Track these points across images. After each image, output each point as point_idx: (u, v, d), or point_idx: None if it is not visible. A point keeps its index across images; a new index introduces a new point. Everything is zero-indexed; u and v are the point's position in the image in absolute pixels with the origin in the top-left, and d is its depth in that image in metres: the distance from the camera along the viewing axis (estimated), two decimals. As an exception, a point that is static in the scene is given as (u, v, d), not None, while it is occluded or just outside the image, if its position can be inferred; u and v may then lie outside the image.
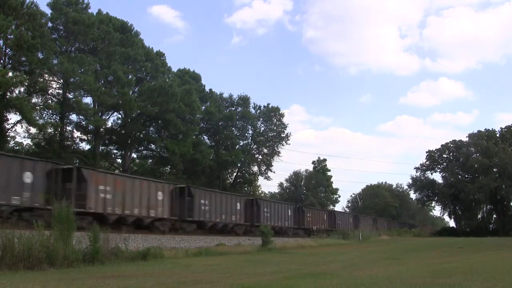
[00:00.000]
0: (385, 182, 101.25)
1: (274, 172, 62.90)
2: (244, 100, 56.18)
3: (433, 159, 68.59)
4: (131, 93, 39.96)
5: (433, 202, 75.35)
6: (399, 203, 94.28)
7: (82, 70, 34.80)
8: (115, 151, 46.26)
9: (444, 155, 68.73)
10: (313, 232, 40.14)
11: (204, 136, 54.27)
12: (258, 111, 57.51)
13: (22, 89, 32.40)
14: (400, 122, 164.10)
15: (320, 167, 79.94)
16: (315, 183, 78.64)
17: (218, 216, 28.69)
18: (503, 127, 65.65)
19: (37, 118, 33.79)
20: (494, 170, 60.93)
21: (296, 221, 38.54)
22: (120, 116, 43.18)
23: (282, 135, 57.69)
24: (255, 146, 57.89)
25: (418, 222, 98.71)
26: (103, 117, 40.16)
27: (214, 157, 52.61)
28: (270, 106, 57.39)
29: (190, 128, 44.32)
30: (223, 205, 29.36)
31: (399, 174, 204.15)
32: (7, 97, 31.11)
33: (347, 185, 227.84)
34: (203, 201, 27.37)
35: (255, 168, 58.57)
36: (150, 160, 48.97)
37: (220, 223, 29.03)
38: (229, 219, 29.91)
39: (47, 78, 35.22)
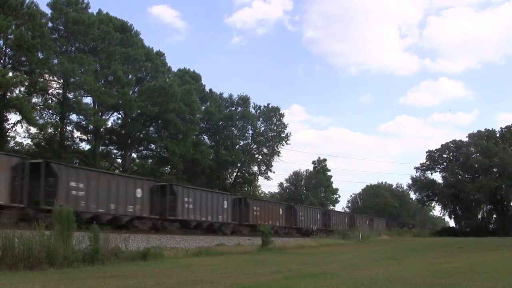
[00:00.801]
0: (385, 182, 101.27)
1: (274, 172, 63.01)
2: (244, 100, 56.20)
3: (433, 159, 68.58)
4: (131, 93, 39.99)
5: (433, 202, 75.34)
6: (399, 203, 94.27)
7: (82, 70, 34.83)
8: (115, 151, 46.33)
9: (444, 155, 68.71)
10: (312, 232, 39.71)
11: (204, 136, 54.30)
12: (258, 111, 57.54)
13: (22, 89, 32.52)
14: (400, 122, 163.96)
15: (320, 167, 79.96)
16: (315, 183, 78.66)
17: (102, 206, 21.72)
18: (503, 127, 65.64)
19: (37, 118, 33.87)
20: (494, 170, 60.88)
21: (236, 216, 31.36)
22: (120, 116, 43.24)
23: (282, 135, 57.72)
24: (255, 146, 57.91)
25: (418, 222, 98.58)
26: (103, 117, 40.19)
27: (214, 157, 52.63)
28: (270, 106, 57.47)
29: (190, 128, 44.34)
30: (112, 191, 22.21)
31: (399, 174, 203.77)
32: (7, 97, 31.14)
33: (347, 185, 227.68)
34: (74, 184, 20.48)
35: (255, 168, 58.67)
36: (150, 160, 48.99)
37: (106, 215, 21.97)
38: (122, 210, 22.76)
39: (47, 78, 35.27)
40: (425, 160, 69.12)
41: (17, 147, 37.22)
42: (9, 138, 35.40)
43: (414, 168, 70.95)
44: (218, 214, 29.16)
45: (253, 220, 32.60)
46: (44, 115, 36.16)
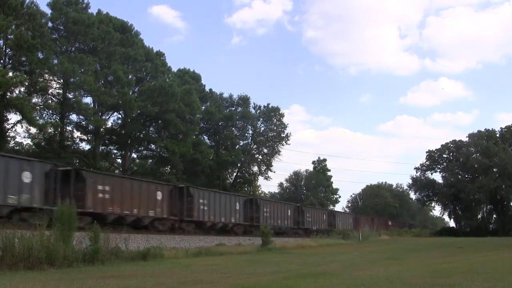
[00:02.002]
0: (385, 182, 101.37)
1: (274, 172, 63.00)
2: (244, 100, 56.18)
3: (433, 159, 68.55)
4: (131, 93, 39.97)
5: (433, 202, 75.28)
6: (399, 203, 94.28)
7: (82, 70, 34.81)
8: (115, 151, 46.30)
9: (444, 155, 68.68)
10: (312, 231, 39.57)
11: (204, 136, 54.29)
12: (258, 111, 57.51)
13: (22, 89, 32.48)
14: (400, 122, 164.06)
15: (320, 167, 79.95)
16: (315, 183, 78.66)
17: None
18: (503, 127, 65.57)
19: (37, 118, 33.83)
20: (494, 170, 60.82)
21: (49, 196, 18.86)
22: (120, 116, 43.24)
23: (282, 135, 57.69)
24: (255, 146, 57.89)
25: (417, 222, 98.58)
26: (103, 117, 40.18)
27: (214, 157, 52.62)
28: (270, 106, 57.44)
29: (190, 128, 44.32)
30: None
31: (399, 174, 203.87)
32: (7, 97, 31.12)
33: (347, 185, 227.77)
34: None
35: (255, 168, 58.64)
36: (150, 160, 48.98)
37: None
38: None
39: (47, 78, 35.24)
40: (425, 160, 69.15)
41: (17, 147, 37.23)
42: (9, 138, 35.41)
43: (414, 168, 71.02)
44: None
45: (130, 209, 21.87)
46: (44, 115, 36.19)
